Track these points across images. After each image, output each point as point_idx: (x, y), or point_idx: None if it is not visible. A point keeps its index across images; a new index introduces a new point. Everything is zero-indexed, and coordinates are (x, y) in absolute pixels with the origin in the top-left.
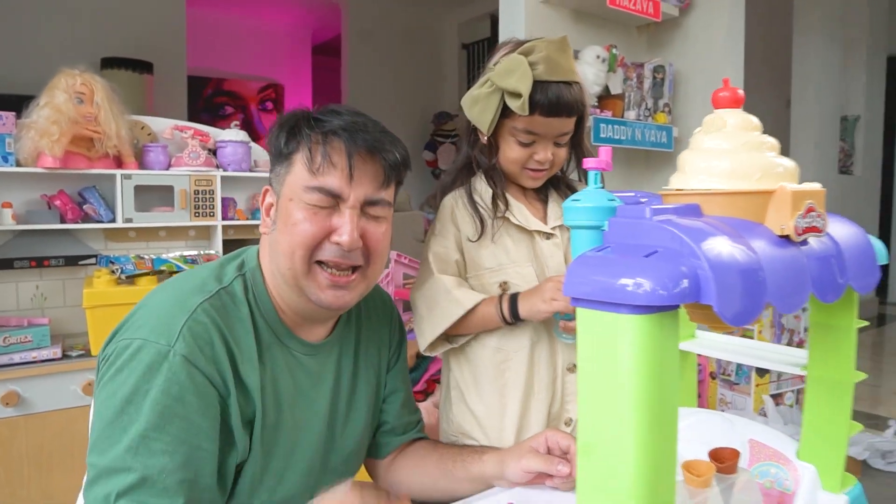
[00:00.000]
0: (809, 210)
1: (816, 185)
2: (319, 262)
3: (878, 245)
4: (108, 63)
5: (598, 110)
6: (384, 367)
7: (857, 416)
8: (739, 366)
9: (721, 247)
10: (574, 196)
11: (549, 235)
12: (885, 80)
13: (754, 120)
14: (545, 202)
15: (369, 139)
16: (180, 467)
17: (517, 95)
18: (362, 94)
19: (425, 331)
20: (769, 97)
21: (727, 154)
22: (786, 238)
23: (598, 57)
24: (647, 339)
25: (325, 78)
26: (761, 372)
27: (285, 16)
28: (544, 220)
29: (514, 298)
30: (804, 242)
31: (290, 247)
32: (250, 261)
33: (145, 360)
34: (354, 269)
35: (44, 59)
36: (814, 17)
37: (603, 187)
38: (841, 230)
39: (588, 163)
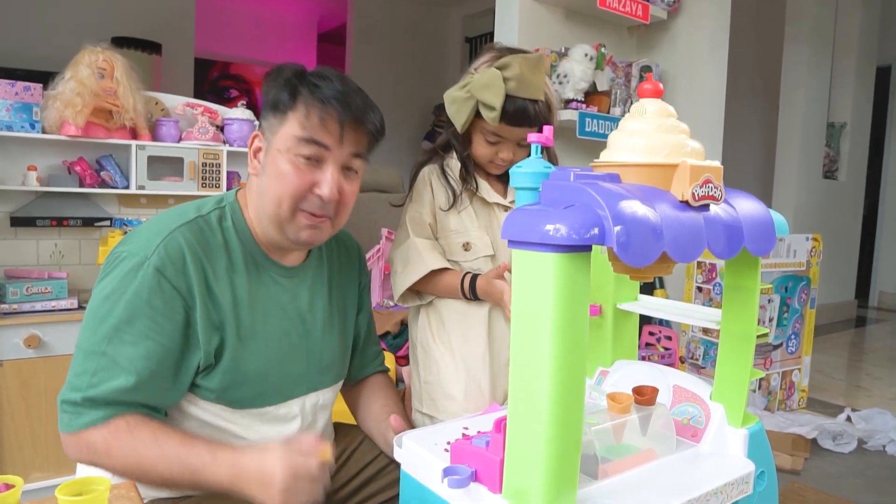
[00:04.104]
0: (707, 181)
1: (716, 163)
2: (301, 209)
3: (778, 219)
4: (118, 42)
5: (584, 105)
6: (354, 295)
7: (817, 403)
8: (706, 351)
9: (623, 203)
10: (518, 164)
11: (506, 208)
12: (873, 89)
13: (670, 109)
14: (506, 183)
15: (358, 110)
16: (142, 357)
17: (491, 108)
18: (365, 83)
19: (398, 283)
20: (760, 103)
21: (644, 134)
22: (685, 203)
23: (586, 55)
24: (564, 273)
25: (329, 66)
26: None
27: (292, 3)
28: (504, 195)
29: (473, 281)
30: (705, 208)
31: (278, 195)
32: (229, 197)
33: (125, 268)
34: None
35: (55, 38)
36: (805, 27)
37: (542, 157)
38: (745, 203)
39: (531, 137)
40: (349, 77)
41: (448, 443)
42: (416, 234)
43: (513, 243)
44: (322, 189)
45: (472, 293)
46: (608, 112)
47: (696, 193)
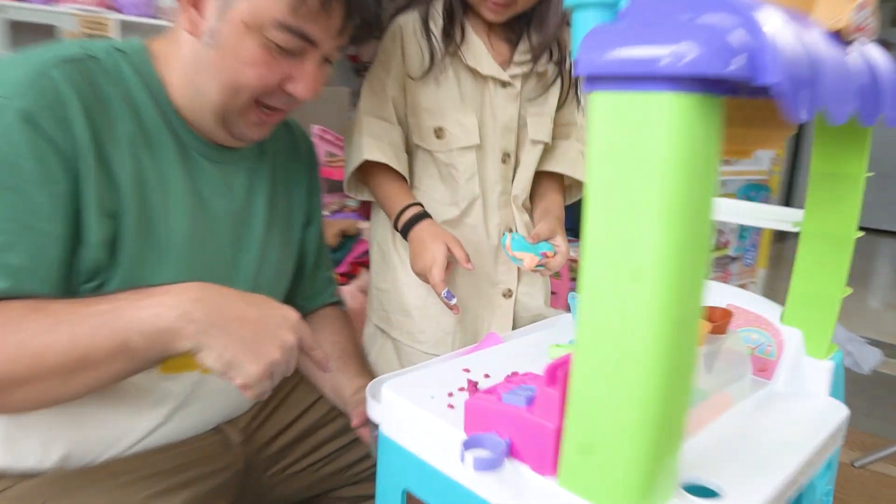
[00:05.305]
0: (863, 5)
1: None
2: (258, 102)
3: None
4: None
5: None
6: (302, 198)
7: None
8: None
9: (780, 24)
10: None
11: (505, 84)
12: None
13: None
14: (515, 44)
15: None
16: (8, 248)
17: None
18: None
19: (345, 168)
20: None
21: None
22: (836, 35)
23: None
24: (689, 127)
25: None
26: None
27: None
28: (507, 63)
29: (412, 223)
30: (849, 45)
31: (233, 83)
32: (132, 45)
33: None
34: None
35: None
36: None
37: None
38: (876, 53)
39: None
40: None
41: (450, 394)
42: (366, 111)
43: (593, 82)
44: (296, 87)
45: (402, 233)
46: None
47: (852, 22)
